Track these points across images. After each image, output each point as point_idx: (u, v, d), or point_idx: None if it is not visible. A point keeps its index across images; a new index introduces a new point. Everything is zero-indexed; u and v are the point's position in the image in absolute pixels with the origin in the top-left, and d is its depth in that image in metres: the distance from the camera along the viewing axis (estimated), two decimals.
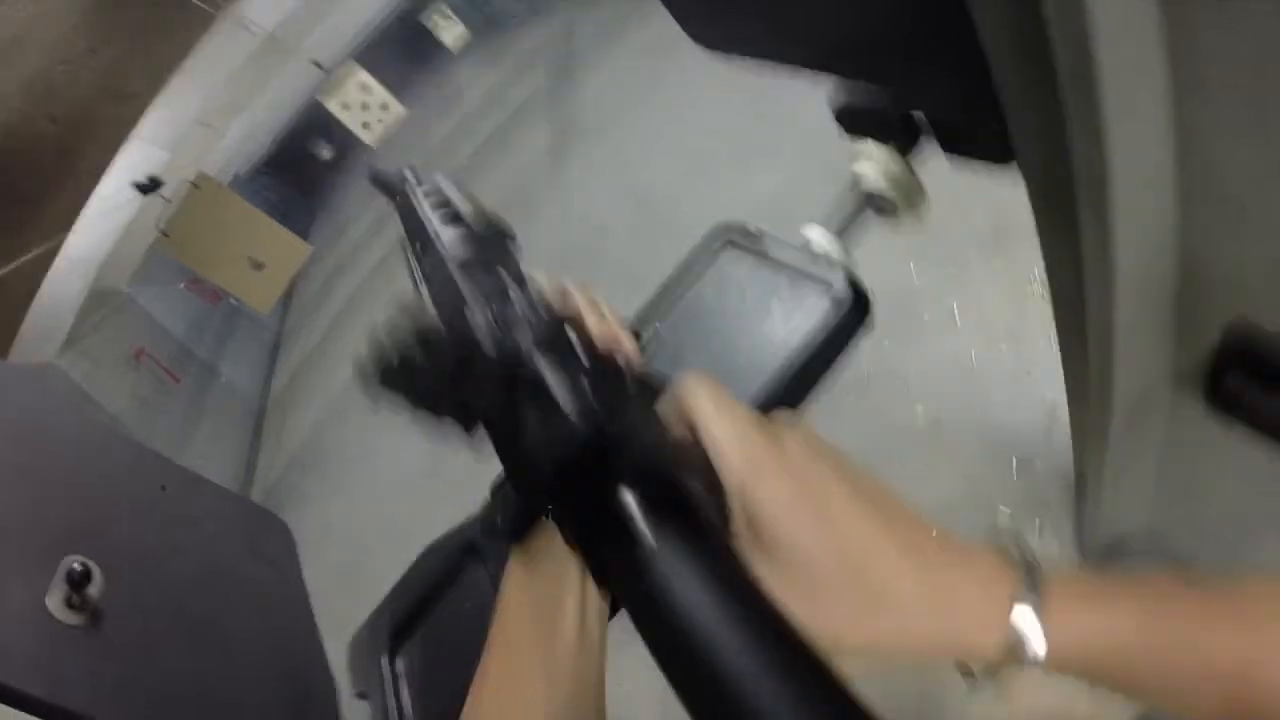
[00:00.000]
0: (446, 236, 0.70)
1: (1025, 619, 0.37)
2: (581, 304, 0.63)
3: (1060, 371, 1.16)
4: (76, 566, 0.78)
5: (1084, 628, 0.37)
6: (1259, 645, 0.36)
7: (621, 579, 0.36)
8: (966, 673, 0.40)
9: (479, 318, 0.43)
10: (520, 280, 0.71)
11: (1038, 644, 0.37)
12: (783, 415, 0.46)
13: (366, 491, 4.82)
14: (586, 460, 0.37)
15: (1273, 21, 0.47)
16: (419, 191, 0.82)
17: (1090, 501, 1.38)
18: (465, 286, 0.60)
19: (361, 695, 0.81)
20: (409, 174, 0.90)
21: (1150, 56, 0.56)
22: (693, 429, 0.44)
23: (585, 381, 0.36)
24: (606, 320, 0.61)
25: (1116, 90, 0.55)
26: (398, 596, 0.86)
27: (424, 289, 0.66)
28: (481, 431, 0.43)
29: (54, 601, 0.76)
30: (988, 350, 2.14)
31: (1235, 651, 0.36)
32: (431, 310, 0.39)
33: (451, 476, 3.78)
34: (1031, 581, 0.38)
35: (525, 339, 0.45)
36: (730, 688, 0.29)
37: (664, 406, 0.48)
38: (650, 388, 0.50)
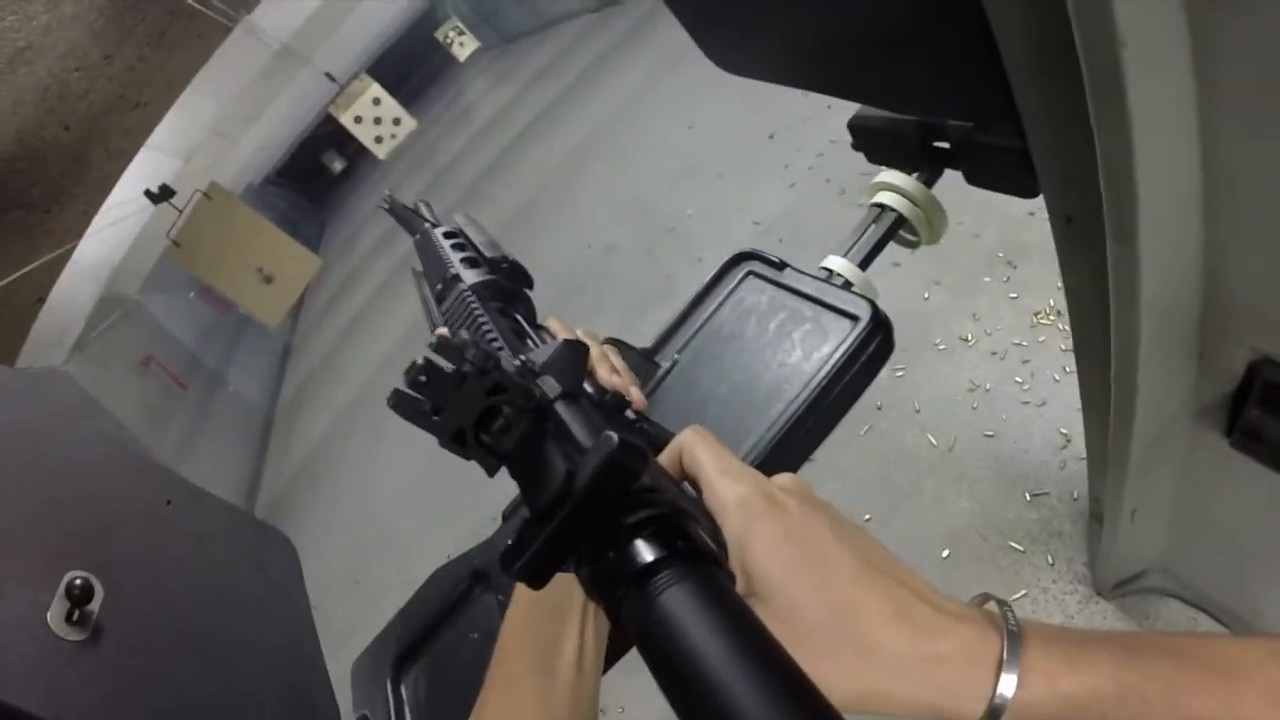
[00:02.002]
0: (469, 280, 0.71)
1: (1008, 687, 0.38)
2: (594, 355, 0.64)
3: (1074, 402, 1.15)
4: (78, 581, 0.78)
5: (1064, 690, 0.38)
6: (1231, 704, 0.37)
7: (636, 619, 0.36)
8: None
9: (511, 366, 0.43)
10: (535, 325, 0.71)
11: (1020, 711, 0.38)
12: (784, 476, 0.47)
13: (371, 505, 4.82)
14: (608, 504, 0.38)
15: None
16: (438, 232, 0.82)
17: (1106, 534, 1.36)
18: (498, 335, 0.61)
19: (364, 718, 0.80)
20: (425, 210, 0.89)
21: (1177, 65, 0.55)
22: (694, 483, 0.46)
23: (609, 432, 0.36)
24: (618, 372, 0.64)
25: (1144, 101, 0.54)
26: (404, 620, 0.85)
27: (440, 327, 0.67)
28: (503, 471, 0.44)
29: (54, 616, 0.75)
30: (1001, 380, 2.12)
31: (1209, 710, 0.37)
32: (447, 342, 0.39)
33: (456, 493, 3.78)
34: (1014, 650, 0.39)
35: (552, 388, 0.46)
36: None
37: (665, 459, 0.49)
38: (651, 441, 0.51)
